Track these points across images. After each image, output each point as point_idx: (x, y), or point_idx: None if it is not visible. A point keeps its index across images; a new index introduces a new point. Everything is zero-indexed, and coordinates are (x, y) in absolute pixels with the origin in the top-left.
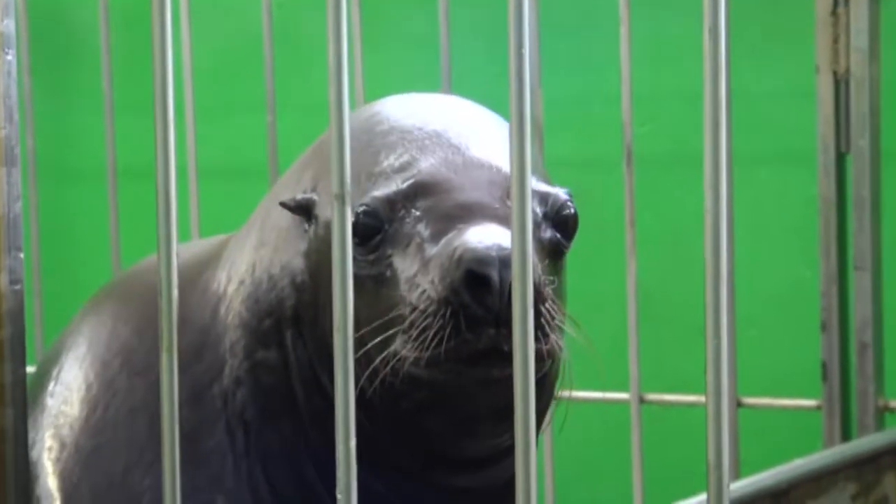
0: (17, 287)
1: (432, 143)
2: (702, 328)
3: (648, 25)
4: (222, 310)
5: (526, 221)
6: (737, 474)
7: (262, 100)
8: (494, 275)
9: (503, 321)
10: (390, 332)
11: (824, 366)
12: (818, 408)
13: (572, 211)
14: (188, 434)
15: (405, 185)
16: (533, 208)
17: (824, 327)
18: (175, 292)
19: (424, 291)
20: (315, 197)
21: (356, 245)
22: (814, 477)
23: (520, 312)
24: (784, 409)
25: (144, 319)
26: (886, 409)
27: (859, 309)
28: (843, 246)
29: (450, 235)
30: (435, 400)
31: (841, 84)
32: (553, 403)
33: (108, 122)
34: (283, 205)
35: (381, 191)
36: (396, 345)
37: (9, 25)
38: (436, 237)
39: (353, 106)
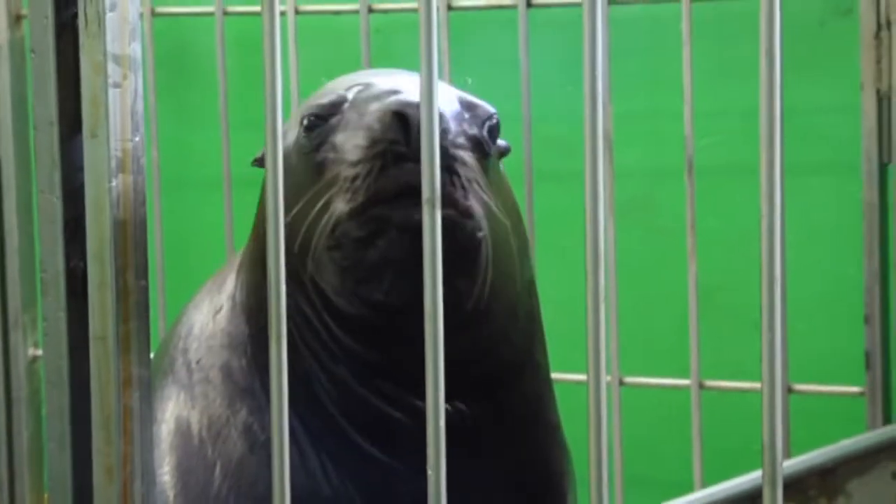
0: (143, 283)
1: (377, 75)
2: (757, 322)
3: (709, 47)
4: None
5: (598, 235)
6: (788, 454)
7: None
8: (414, 113)
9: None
10: (328, 194)
11: (867, 355)
12: (862, 394)
13: (495, 121)
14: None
15: (350, 91)
16: (465, 127)
17: (867, 320)
18: (283, 285)
19: (357, 145)
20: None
21: (304, 132)
22: (858, 456)
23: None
24: (831, 395)
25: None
26: None
27: None
28: (885, 247)
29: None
30: (367, 261)
31: (883, 100)
32: (485, 289)
33: (224, 137)
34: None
35: (328, 97)
36: (333, 204)
37: (135, 48)
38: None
39: None
